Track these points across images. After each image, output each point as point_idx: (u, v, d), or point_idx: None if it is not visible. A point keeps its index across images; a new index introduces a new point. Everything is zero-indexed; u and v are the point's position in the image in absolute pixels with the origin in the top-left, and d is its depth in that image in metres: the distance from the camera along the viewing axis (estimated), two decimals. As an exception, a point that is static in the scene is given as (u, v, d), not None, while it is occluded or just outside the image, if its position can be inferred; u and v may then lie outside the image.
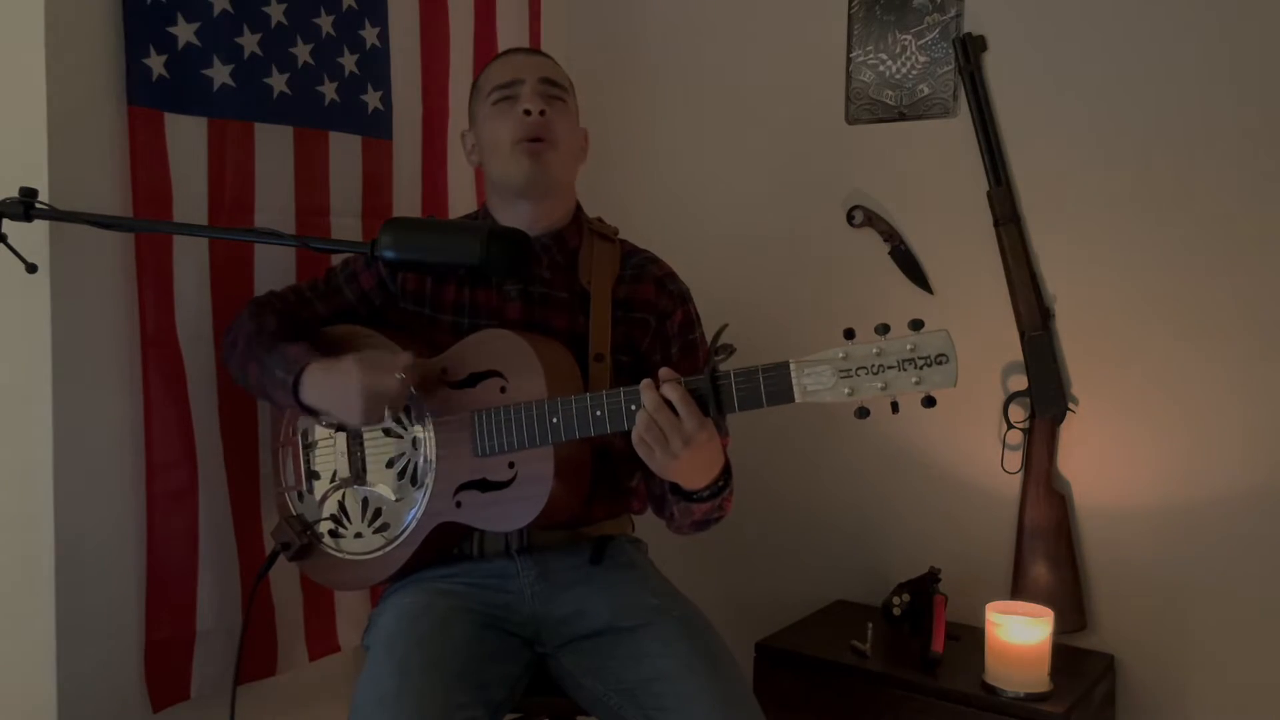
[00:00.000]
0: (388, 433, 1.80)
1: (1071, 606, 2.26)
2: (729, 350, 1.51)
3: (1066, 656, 2.18)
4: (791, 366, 1.45)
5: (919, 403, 1.40)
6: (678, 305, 1.88)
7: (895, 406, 1.42)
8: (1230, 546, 2.16)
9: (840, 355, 1.42)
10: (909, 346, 1.39)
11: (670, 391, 1.51)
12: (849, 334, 1.42)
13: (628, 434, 1.56)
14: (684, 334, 1.88)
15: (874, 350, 1.41)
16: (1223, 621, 2.17)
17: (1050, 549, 2.27)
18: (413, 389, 1.73)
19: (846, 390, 1.42)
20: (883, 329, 1.41)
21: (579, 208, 1.93)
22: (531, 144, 1.79)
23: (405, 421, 1.78)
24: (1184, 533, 2.20)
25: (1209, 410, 2.17)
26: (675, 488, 1.67)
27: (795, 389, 1.45)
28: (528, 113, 1.79)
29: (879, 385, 1.40)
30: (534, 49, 1.94)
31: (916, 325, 1.40)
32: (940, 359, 1.38)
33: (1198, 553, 2.18)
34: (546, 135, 1.80)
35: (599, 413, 1.59)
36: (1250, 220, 2.11)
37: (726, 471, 1.68)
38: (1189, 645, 2.20)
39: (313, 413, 1.76)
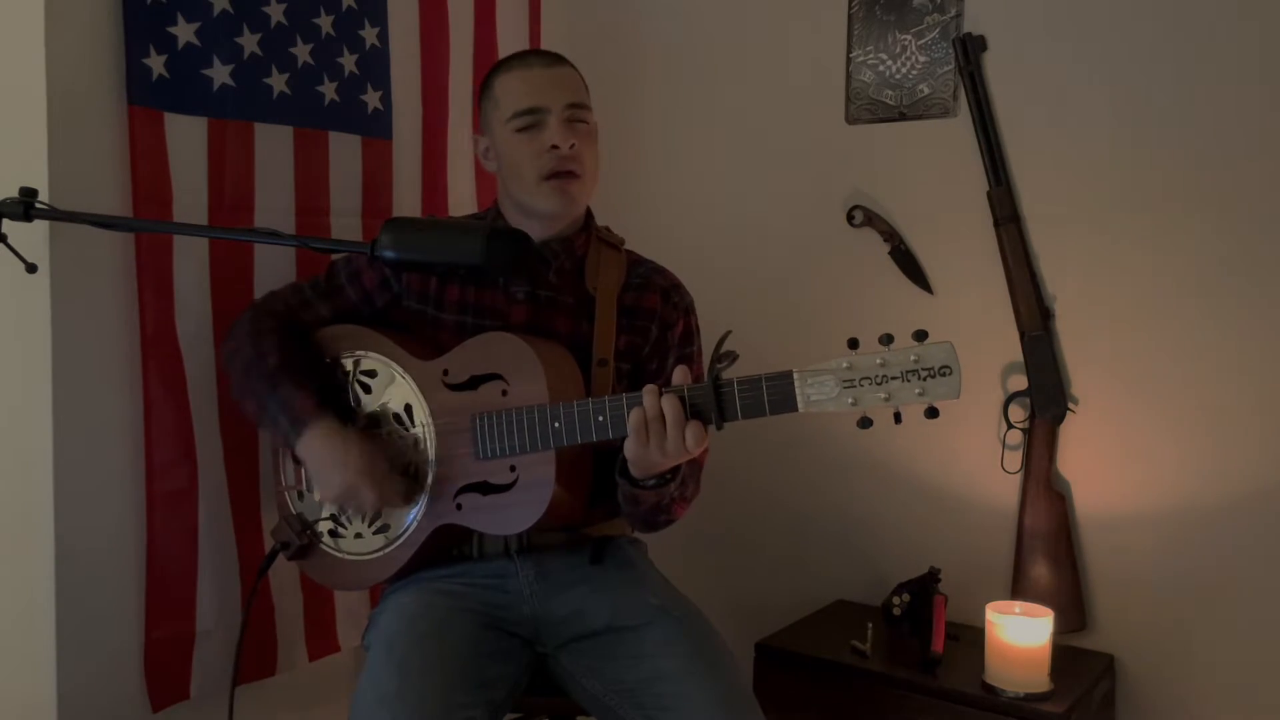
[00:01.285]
0: (389, 434, 1.80)
1: (1071, 606, 2.26)
2: (732, 357, 1.50)
3: (1066, 656, 2.18)
4: (795, 376, 1.45)
5: (921, 413, 1.40)
6: (680, 316, 1.88)
7: (898, 417, 1.43)
8: (1230, 546, 2.16)
9: (844, 365, 1.42)
10: (913, 358, 1.39)
11: (667, 406, 1.53)
12: (853, 344, 1.42)
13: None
14: (682, 346, 1.88)
15: (878, 361, 1.41)
16: (1223, 621, 2.18)
17: (1050, 549, 2.28)
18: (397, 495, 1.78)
19: (850, 400, 1.42)
20: (886, 339, 1.41)
21: (589, 214, 1.92)
22: (561, 180, 1.79)
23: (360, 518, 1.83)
24: (1183, 532, 2.20)
25: (1208, 410, 2.17)
26: (623, 468, 1.65)
27: (798, 399, 1.45)
28: (555, 147, 1.78)
29: (882, 396, 1.40)
30: (551, 55, 1.89)
31: (920, 336, 1.40)
32: (944, 370, 1.38)
33: (1197, 552, 2.19)
34: (576, 169, 1.79)
35: (601, 418, 1.59)
36: (1251, 220, 2.11)
37: (675, 467, 1.65)
38: (1189, 645, 2.21)
39: (297, 462, 1.81)
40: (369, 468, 1.73)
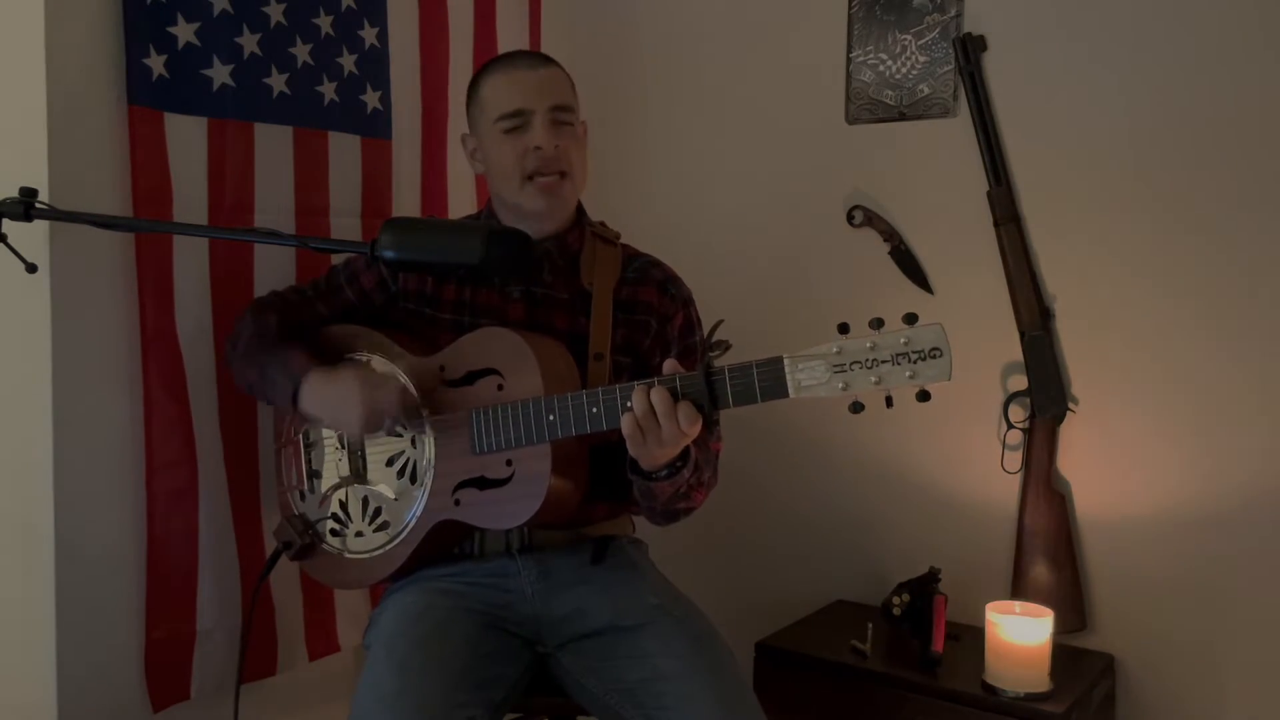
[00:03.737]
0: (388, 433, 1.80)
1: (1071, 606, 2.25)
2: (724, 346, 1.51)
3: (1066, 656, 2.17)
4: (785, 361, 1.45)
5: (914, 397, 1.40)
6: (679, 308, 1.88)
7: (889, 401, 1.42)
8: (1230, 546, 2.15)
9: (834, 350, 1.42)
10: (903, 340, 1.39)
11: (656, 399, 1.52)
12: (843, 328, 1.42)
13: None
14: (684, 338, 1.88)
15: (868, 344, 1.40)
16: (1223, 621, 2.17)
17: (1050, 549, 2.27)
18: (415, 393, 1.76)
19: (840, 385, 1.41)
20: (876, 323, 1.40)
21: (581, 210, 1.93)
22: (546, 179, 1.80)
23: (404, 424, 1.79)
24: (1184, 532, 2.19)
25: (1208, 410, 2.16)
26: (634, 465, 1.65)
27: (789, 384, 1.44)
28: (539, 148, 1.79)
29: (873, 379, 1.40)
30: (537, 57, 1.90)
31: (911, 319, 1.39)
32: (934, 352, 1.37)
33: (1198, 552, 2.18)
34: (561, 169, 1.81)
35: (595, 410, 1.59)
36: (1251, 218, 2.11)
37: (685, 453, 1.65)
38: (1189, 645, 2.20)
39: (311, 420, 1.80)
40: (377, 380, 1.75)
